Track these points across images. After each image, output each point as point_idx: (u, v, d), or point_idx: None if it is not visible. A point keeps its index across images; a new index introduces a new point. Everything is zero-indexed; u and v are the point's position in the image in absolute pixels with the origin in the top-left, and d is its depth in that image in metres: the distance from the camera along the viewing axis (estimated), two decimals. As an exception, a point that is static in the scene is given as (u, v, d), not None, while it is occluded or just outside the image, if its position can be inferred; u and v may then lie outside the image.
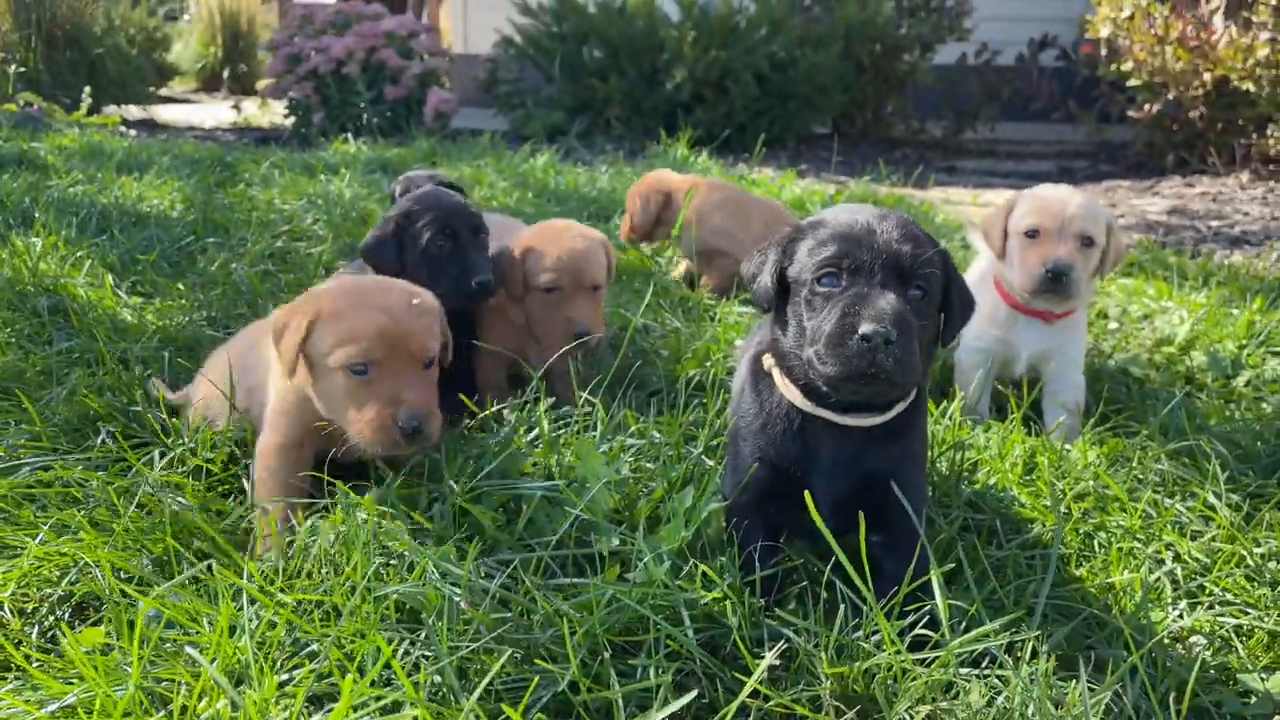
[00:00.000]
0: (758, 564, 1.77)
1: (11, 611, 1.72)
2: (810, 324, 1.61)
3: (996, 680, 1.50)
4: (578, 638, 1.53)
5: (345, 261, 3.64)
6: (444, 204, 2.58)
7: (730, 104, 8.05)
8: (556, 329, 2.54)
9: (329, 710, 1.42)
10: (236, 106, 10.27)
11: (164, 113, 10.38)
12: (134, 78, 9.76)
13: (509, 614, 1.60)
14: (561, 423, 2.30)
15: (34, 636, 1.68)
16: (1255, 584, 1.87)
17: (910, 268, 1.60)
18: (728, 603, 1.65)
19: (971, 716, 1.43)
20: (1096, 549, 1.99)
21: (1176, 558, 1.95)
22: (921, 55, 8.61)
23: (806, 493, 1.63)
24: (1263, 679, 1.61)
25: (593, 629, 1.55)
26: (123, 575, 1.76)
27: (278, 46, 8.44)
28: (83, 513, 1.90)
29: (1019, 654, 1.55)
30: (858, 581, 1.58)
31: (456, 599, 1.59)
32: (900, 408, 1.70)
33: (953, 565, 1.75)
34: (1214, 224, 5.61)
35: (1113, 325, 3.61)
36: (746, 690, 1.41)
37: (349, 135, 7.47)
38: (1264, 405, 2.84)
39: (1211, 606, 1.83)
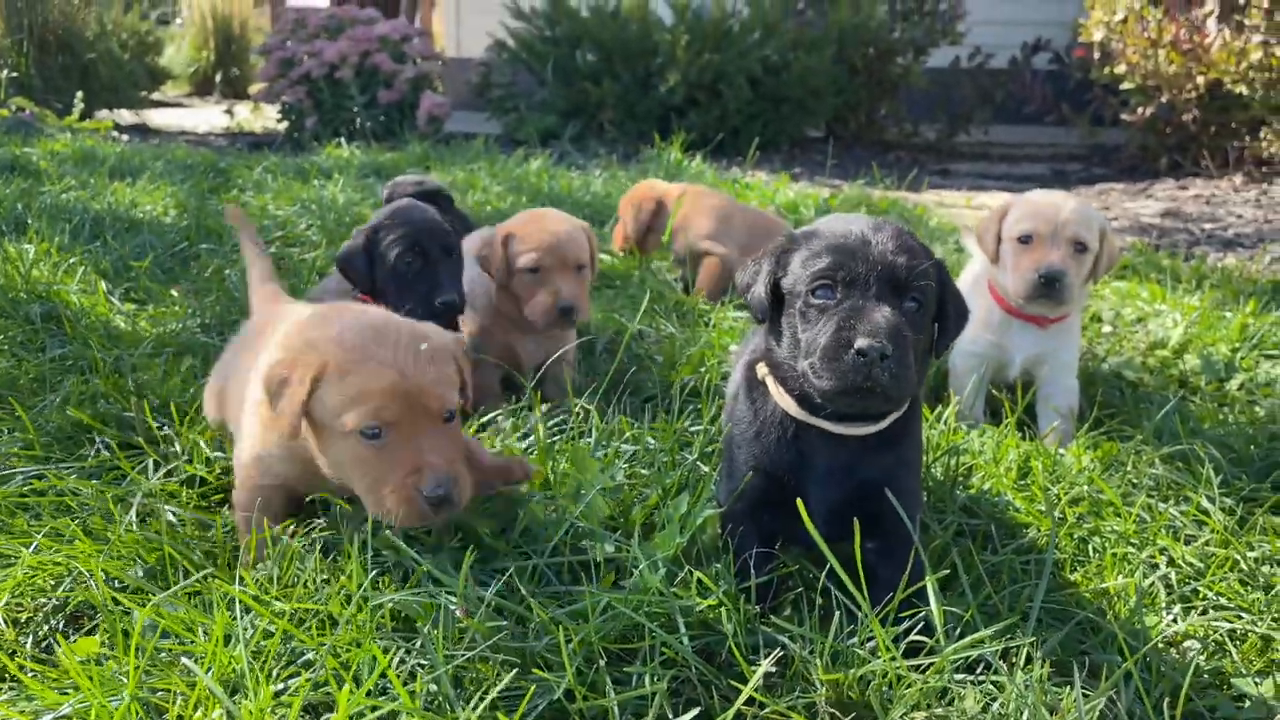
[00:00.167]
0: (753, 571, 1.77)
1: (6, 621, 1.71)
2: (805, 336, 1.61)
3: (991, 686, 1.50)
4: (573, 645, 1.53)
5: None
6: (414, 220, 2.53)
7: (724, 107, 8.06)
8: (541, 306, 2.63)
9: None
10: (229, 111, 10.27)
11: (156, 117, 10.36)
12: (126, 82, 9.74)
13: (504, 622, 1.60)
14: (557, 429, 2.30)
15: (28, 646, 1.67)
16: (1249, 588, 1.88)
17: (905, 279, 1.59)
18: (723, 610, 1.65)
19: (967, 723, 1.43)
20: (1091, 554, 2.00)
21: (1170, 562, 1.96)
22: (915, 59, 8.62)
23: (800, 501, 1.63)
24: (1256, 683, 1.62)
25: (588, 637, 1.55)
26: (117, 584, 1.76)
27: (271, 51, 8.43)
28: (77, 521, 1.89)
29: (1014, 660, 1.56)
30: (852, 588, 1.59)
31: (452, 607, 1.59)
32: (895, 416, 1.70)
33: (947, 571, 1.76)
34: (1207, 227, 5.63)
35: (1106, 329, 3.62)
36: (742, 698, 1.41)
37: (342, 140, 7.48)
38: (1257, 409, 2.85)
39: (1205, 611, 1.83)
